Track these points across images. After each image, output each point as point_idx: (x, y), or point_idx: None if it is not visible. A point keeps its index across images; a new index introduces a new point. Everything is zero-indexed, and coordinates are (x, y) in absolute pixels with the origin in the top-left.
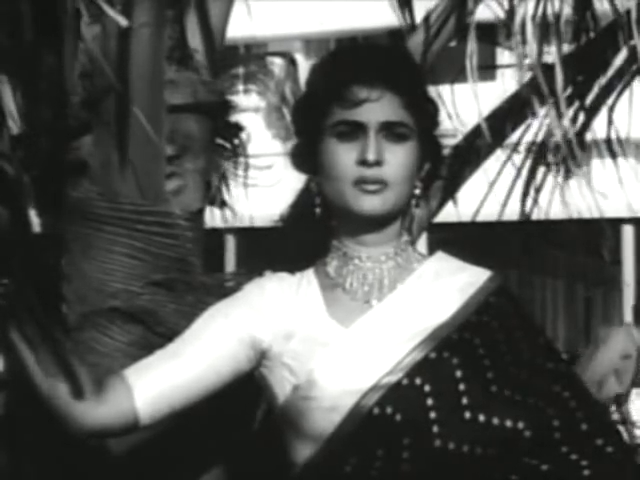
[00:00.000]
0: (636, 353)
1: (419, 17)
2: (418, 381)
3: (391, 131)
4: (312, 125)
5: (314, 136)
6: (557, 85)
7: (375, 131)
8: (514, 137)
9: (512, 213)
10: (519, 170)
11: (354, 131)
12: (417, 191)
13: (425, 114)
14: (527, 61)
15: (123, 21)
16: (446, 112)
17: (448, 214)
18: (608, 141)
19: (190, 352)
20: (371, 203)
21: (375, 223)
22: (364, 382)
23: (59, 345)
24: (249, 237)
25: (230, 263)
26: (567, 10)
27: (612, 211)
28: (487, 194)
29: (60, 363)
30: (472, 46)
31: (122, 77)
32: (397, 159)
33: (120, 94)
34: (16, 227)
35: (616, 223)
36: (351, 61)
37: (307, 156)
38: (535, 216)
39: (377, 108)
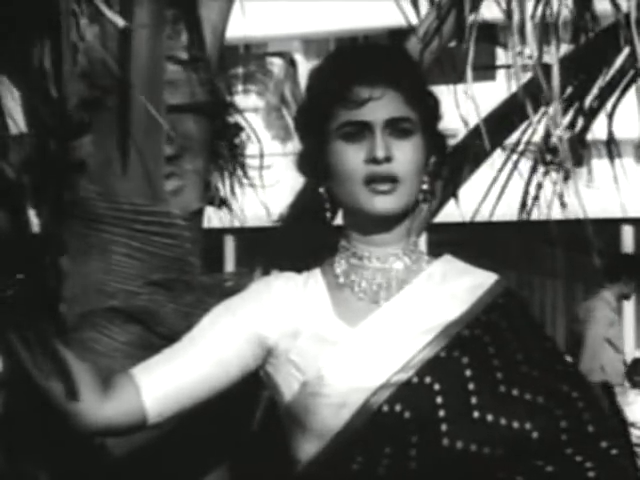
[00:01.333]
0: (617, 318)
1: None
2: (428, 379)
3: (396, 127)
4: (316, 129)
5: (319, 140)
6: (554, 86)
7: (381, 128)
8: (514, 137)
9: (512, 213)
10: (512, 170)
11: (360, 131)
12: (425, 186)
13: (427, 108)
14: (524, 61)
15: (120, 22)
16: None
17: (448, 214)
18: (608, 142)
19: (197, 351)
20: (384, 203)
21: (387, 222)
22: (374, 380)
23: (54, 346)
24: (248, 237)
25: (229, 263)
26: (566, 11)
27: (612, 211)
28: (486, 194)
29: (55, 365)
30: (470, 47)
31: (122, 77)
32: (405, 154)
33: (122, 91)
34: (16, 227)
35: (616, 223)
36: (350, 62)
37: (314, 161)
38: (534, 217)
39: (380, 106)
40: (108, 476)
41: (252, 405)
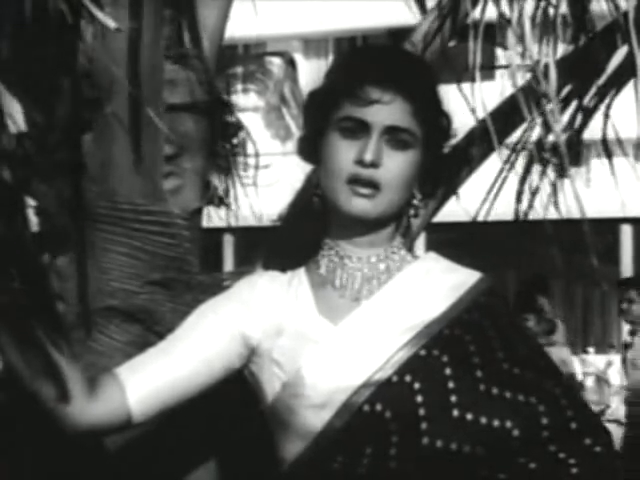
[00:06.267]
0: None
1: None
2: (408, 378)
3: (395, 136)
4: (321, 116)
5: (321, 127)
6: (551, 86)
7: (379, 133)
8: (514, 137)
9: (512, 213)
10: (509, 169)
11: (358, 129)
12: (416, 201)
13: (435, 125)
14: (520, 62)
15: (111, 23)
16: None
17: (448, 214)
18: (604, 141)
19: (182, 349)
20: (361, 206)
21: (365, 225)
22: (354, 379)
23: (46, 348)
24: (247, 237)
25: (228, 262)
26: (564, 10)
27: (610, 211)
28: (488, 194)
29: (46, 366)
30: (476, 45)
31: (122, 76)
32: (395, 165)
33: (130, 92)
34: (14, 226)
35: (614, 223)
36: (370, 60)
37: (312, 146)
38: (534, 216)
39: (385, 111)
40: (108, 473)
41: (250, 401)
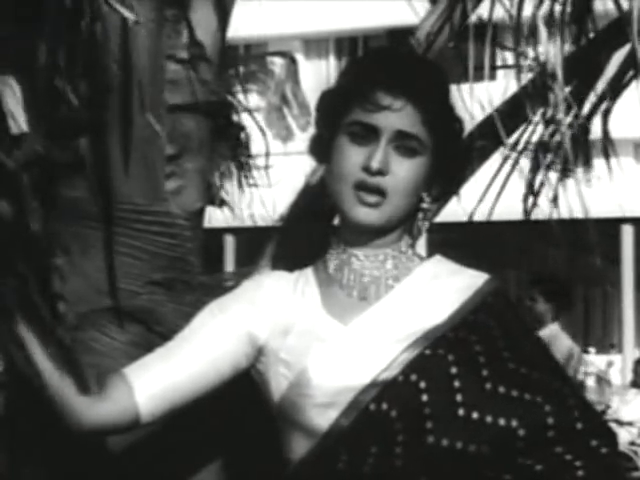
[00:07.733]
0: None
1: (419, 17)
2: (414, 377)
3: (403, 143)
4: (331, 119)
5: (331, 130)
6: (558, 85)
7: (387, 139)
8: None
9: (512, 213)
10: (511, 169)
11: (367, 135)
12: (425, 205)
13: (446, 132)
14: (524, 61)
15: (131, 16)
16: None
17: (448, 214)
18: (604, 142)
19: (189, 349)
20: (367, 215)
21: (371, 231)
22: (360, 379)
23: (63, 340)
24: (249, 237)
25: (229, 263)
26: (568, 10)
27: (611, 211)
28: (484, 194)
29: (66, 357)
30: (493, 45)
31: (124, 75)
32: (403, 172)
33: (123, 90)
34: (16, 225)
35: (615, 223)
36: (382, 66)
37: (323, 147)
38: (535, 216)
39: (396, 117)
40: (106, 475)
41: (252, 403)
